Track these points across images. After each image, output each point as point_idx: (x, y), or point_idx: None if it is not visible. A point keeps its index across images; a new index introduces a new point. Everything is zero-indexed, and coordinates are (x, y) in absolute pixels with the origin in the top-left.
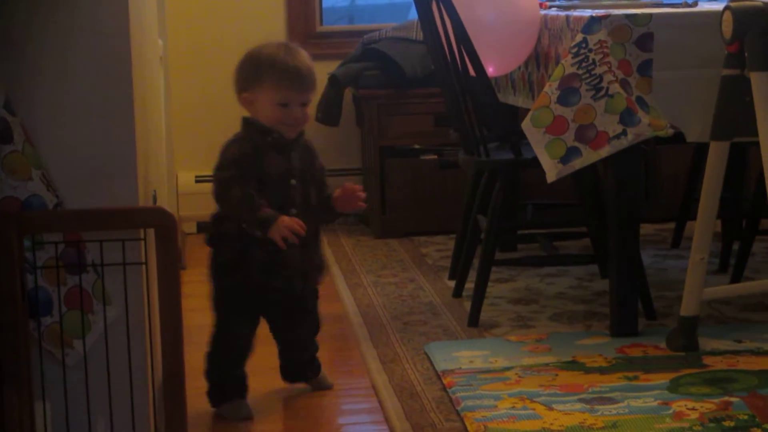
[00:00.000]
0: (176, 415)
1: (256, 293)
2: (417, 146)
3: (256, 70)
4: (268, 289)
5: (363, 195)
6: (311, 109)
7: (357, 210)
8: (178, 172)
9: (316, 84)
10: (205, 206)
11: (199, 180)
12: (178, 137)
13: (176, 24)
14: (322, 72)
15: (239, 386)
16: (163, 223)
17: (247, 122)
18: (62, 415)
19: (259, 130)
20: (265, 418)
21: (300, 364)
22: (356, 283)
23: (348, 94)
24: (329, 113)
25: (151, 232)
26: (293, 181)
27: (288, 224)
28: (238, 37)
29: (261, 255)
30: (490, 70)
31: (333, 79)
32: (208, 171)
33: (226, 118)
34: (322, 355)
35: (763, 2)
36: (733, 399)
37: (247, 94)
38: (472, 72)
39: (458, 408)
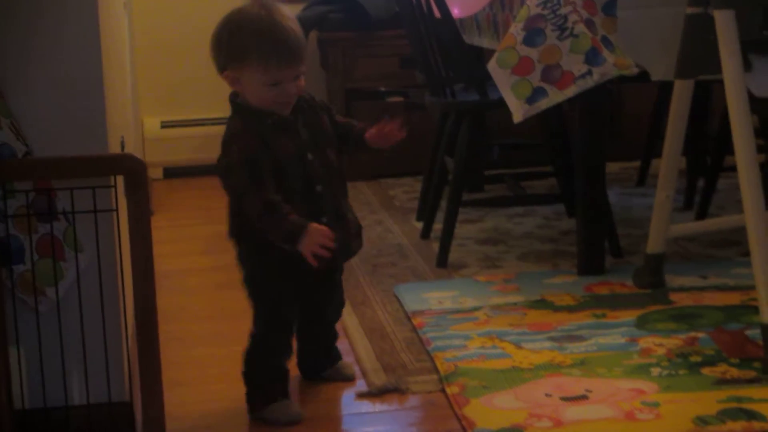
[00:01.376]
0: (150, 360)
1: (294, 265)
2: (383, 88)
3: (239, 46)
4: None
5: (401, 130)
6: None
7: (395, 142)
8: (144, 117)
9: (306, 51)
10: (171, 152)
11: (164, 125)
12: (143, 83)
13: None
14: None
15: (284, 384)
16: (134, 170)
17: (237, 106)
18: (36, 361)
19: (254, 115)
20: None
21: (318, 352)
22: None
23: (313, 36)
24: None
25: (120, 178)
26: (310, 156)
27: (318, 238)
28: None
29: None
30: (455, 12)
31: (298, 22)
32: (173, 116)
33: (191, 62)
34: None
35: None
36: (699, 334)
37: (230, 71)
38: (437, 14)
39: (428, 348)
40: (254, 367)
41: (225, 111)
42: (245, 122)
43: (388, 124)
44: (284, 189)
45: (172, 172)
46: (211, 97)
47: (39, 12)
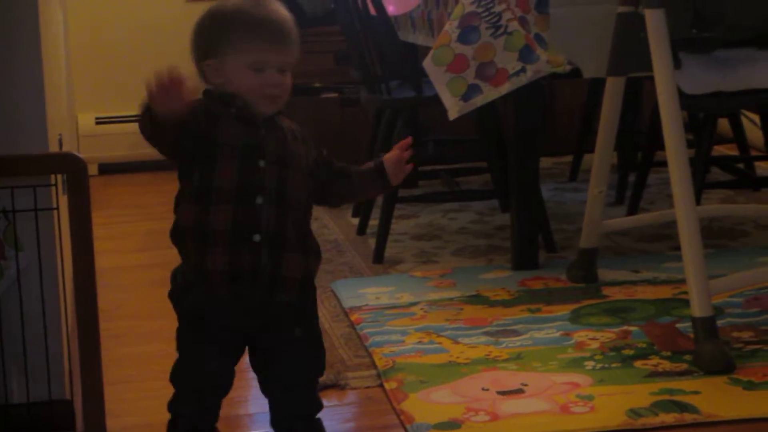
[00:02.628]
0: (90, 359)
1: (219, 315)
2: (318, 84)
3: (219, 28)
4: (229, 304)
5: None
6: None
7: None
8: (78, 113)
9: (297, 43)
10: (106, 148)
11: (99, 121)
12: (77, 78)
13: None
14: None
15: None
16: (75, 169)
17: (205, 93)
18: None
19: (220, 98)
20: None
21: (290, 419)
22: None
23: None
24: None
25: (60, 177)
26: (261, 163)
27: (157, 81)
28: None
29: (218, 259)
30: (390, 9)
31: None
32: (109, 112)
33: (126, 57)
34: None
35: None
36: (631, 328)
37: (210, 60)
38: (372, 11)
39: (366, 344)
40: (174, 401)
41: None
42: (206, 101)
43: (400, 153)
44: (215, 185)
45: (107, 168)
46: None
47: None
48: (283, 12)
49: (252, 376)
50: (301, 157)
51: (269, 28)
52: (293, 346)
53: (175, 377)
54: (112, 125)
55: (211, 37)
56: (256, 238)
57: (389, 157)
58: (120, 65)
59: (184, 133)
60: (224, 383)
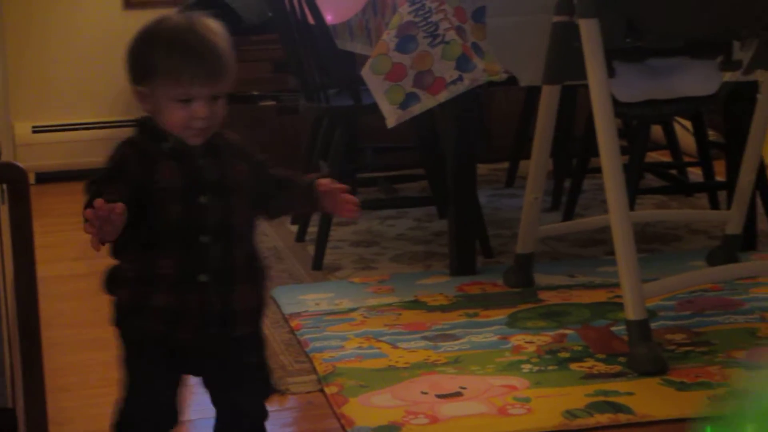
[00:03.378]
0: (33, 367)
1: (164, 345)
2: (255, 92)
3: (149, 54)
4: (175, 340)
5: (355, 203)
6: None
7: (348, 218)
8: (14, 122)
9: (229, 70)
10: (43, 156)
11: (36, 130)
12: (14, 87)
13: None
14: None
15: None
16: (16, 179)
17: (139, 124)
18: None
19: (152, 135)
20: None
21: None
22: None
23: None
24: None
25: None
26: (203, 199)
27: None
28: None
29: (162, 298)
30: (329, 18)
31: (227, 39)
32: (46, 121)
33: (63, 65)
34: None
35: None
36: (567, 331)
37: (141, 87)
38: (311, 19)
39: (307, 349)
40: None
41: (97, 115)
42: (140, 137)
43: (345, 194)
44: (158, 230)
45: (44, 177)
46: (84, 102)
47: None
48: (217, 38)
49: (193, 381)
50: (244, 180)
51: (199, 60)
52: (243, 370)
53: (124, 411)
54: (49, 134)
55: (141, 62)
56: (202, 278)
57: (321, 183)
58: (57, 73)
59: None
60: (176, 414)
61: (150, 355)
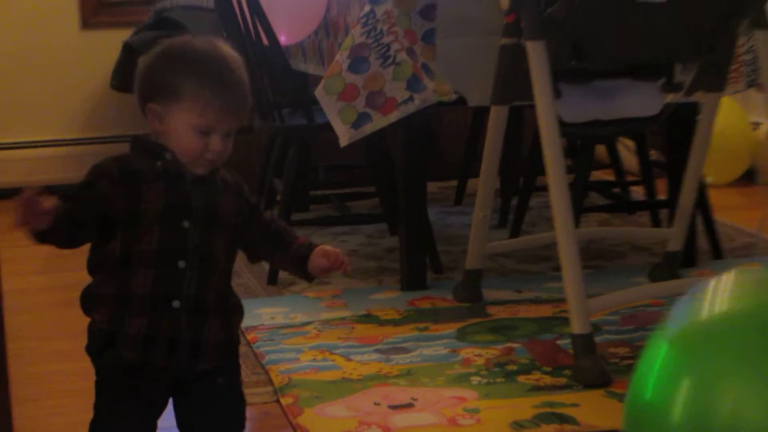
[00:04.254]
0: None
1: (136, 373)
2: None
3: (173, 75)
4: (149, 367)
5: (346, 263)
6: None
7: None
8: None
9: (248, 111)
10: (7, 172)
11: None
12: None
13: None
14: (117, 40)
15: None
16: None
17: (134, 141)
18: None
19: (147, 150)
20: None
21: None
22: None
23: (143, 60)
24: (124, 80)
25: None
26: (186, 223)
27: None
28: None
29: (136, 323)
30: (282, 39)
31: (127, 47)
32: (4, 138)
33: (19, 83)
34: None
35: None
36: (515, 345)
37: (155, 105)
38: (265, 41)
39: (263, 362)
40: None
41: (56, 133)
42: (133, 154)
43: (339, 258)
44: (136, 249)
45: (2, 194)
46: (43, 120)
47: None
48: (243, 73)
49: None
50: (231, 216)
51: (228, 95)
52: (216, 399)
53: None
54: (6, 151)
55: (162, 80)
56: (176, 304)
57: (318, 265)
58: (13, 91)
59: (105, 216)
60: None
61: (124, 386)
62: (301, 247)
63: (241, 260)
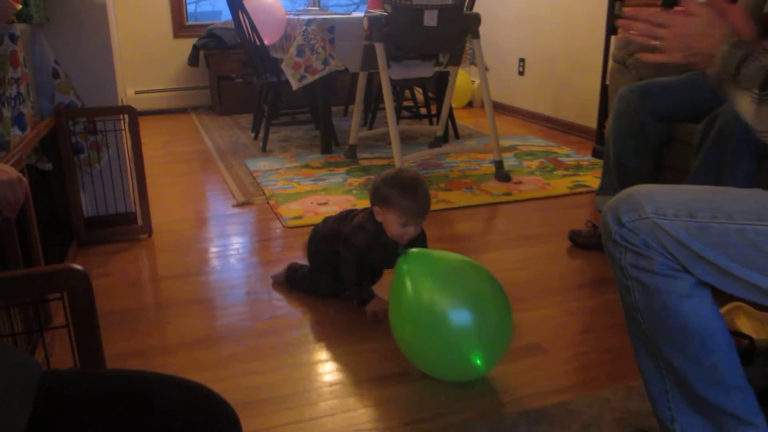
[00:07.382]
0: (141, 183)
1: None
2: (233, 75)
3: (390, 195)
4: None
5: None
6: None
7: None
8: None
9: (429, 209)
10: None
11: (138, 92)
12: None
13: None
14: (189, 43)
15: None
16: (130, 113)
17: (372, 218)
18: (93, 199)
19: (378, 232)
20: None
21: None
22: None
23: (203, 53)
24: (192, 62)
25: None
26: (377, 260)
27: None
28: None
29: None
30: (266, 41)
31: (195, 47)
32: (145, 86)
33: (165, 46)
34: None
35: (381, 13)
36: (371, 176)
37: (379, 207)
38: (257, 42)
39: (261, 185)
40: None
41: (163, 84)
42: (370, 227)
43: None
44: (363, 264)
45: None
46: (156, 76)
47: (76, 31)
48: (427, 196)
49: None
50: (393, 255)
51: (419, 205)
52: None
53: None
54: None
55: (384, 194)
56: (375, 280)
57: (371, 309)
58: (157, 51)
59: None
60: None
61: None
62: (365, 294)
63: (249, 142)
